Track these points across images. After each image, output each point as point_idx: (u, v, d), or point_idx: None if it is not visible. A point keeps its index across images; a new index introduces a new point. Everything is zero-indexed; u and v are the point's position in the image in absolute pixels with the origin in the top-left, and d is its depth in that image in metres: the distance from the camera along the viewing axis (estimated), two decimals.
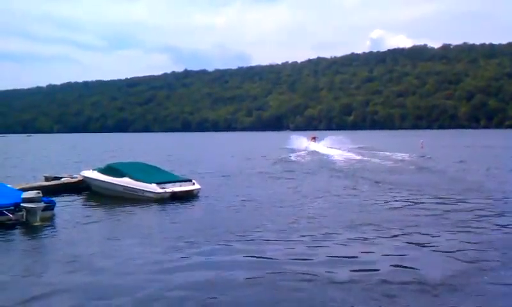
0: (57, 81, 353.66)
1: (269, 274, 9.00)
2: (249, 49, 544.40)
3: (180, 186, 19.37)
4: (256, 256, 10.32)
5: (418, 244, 11.14)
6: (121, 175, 19.83)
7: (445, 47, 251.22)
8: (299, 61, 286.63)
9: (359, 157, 40.90)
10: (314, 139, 61.60)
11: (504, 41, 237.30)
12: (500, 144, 61.96)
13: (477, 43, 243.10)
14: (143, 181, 19.07)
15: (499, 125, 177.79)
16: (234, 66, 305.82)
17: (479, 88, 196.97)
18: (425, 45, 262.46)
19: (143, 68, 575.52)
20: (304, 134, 71.53)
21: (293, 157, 43.95)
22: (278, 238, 11.86)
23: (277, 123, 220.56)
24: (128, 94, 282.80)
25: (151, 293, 8.14)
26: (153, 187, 18.62)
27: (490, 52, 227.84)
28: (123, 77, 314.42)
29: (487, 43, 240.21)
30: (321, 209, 16.09)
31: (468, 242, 11.18)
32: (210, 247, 11.16)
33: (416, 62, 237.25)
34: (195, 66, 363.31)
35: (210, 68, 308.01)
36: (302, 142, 59.74)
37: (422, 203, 16.91)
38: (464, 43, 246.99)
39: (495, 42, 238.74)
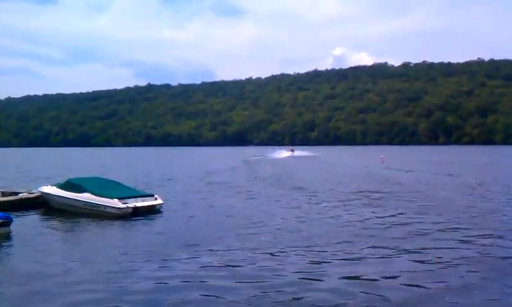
0: (17, 94, 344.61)
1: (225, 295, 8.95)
2: (213, 64, 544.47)
3: (143, 201, 19.09)
4: (212, 277, 10.11)
5: (376, 261, 11.24)
6: (82, 190, 19.41)
7: (405, 65, 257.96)
8: (263, 77, 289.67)
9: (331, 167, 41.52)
10: (292, 150, 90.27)
11: (462, 60, 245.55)
12: (464, 161, 63.67)
13: (436, 61, 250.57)
14: (105, 197, 18.70)
15: (457, 142, 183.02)
16: (198, 81, 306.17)
17: (437, 105, 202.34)
18: (385, 63, 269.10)
19: (105, 82, 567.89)
20: (278, 148, 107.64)
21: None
22: (239, 256, 11.75)
23: (241, 138, 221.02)
24: (90, 108, 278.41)
25: None
26: (115, 203, 18.29)
27: (448, 70, 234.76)
28: (84, 91, 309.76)
29: (445, 61, 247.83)
30: (285, 222, 16.10)
31: (432, 260, 11.33)
32: (166, 264, 11.01)
33: (377, 80, 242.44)
34: (158, 81, 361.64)
35: (174, 83, 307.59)
36: (284, 153, 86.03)
37: (380, 216, 17.14)
38: (424, 62, 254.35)
39: (453, 61, 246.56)
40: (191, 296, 8.75)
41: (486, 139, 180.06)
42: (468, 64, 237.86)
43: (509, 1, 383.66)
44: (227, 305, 8.28)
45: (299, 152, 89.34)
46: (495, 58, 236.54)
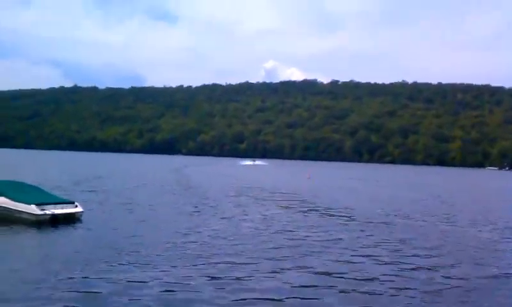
0: None
1: None
2: (143, 70, 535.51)
3: (62, 208, 18.14)
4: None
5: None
6: None
7: (334, 83, 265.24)
8: (193, 86, 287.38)
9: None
10: (254, 160, 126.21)
11: (387, 82, 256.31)
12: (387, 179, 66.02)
13: (363, 81, 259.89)
14: (21, 202, 17.70)
15: (380, 160, 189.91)
16: (127, 86, 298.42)
17: (362, 124, 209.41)
18: (315, 80, 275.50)
19: (28, 81, 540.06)
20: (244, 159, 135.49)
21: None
22: (143, 275, 11.20)
23: (169, 147, 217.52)
24: (10, 108, 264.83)
25: None
26: (32, 208, 17.30)
27: (374, 90, 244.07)
28: (5, 89, 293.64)
29: (372, 82, 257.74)
30: (212, 232, 15.85)
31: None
32: (78, 275, 10.49)
33: (306, 96, 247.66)
34: (85, 83, 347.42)
35: (102, 86, 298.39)
36: (247, 162, 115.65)
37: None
38: (351, 81, 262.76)
39: (379, 81, 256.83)
40: None
41: (407, 158, 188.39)
42: (392, 85, 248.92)
43: (431, 30, 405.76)
44: None
45: (259, 162, 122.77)
46: (418, 81, 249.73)
